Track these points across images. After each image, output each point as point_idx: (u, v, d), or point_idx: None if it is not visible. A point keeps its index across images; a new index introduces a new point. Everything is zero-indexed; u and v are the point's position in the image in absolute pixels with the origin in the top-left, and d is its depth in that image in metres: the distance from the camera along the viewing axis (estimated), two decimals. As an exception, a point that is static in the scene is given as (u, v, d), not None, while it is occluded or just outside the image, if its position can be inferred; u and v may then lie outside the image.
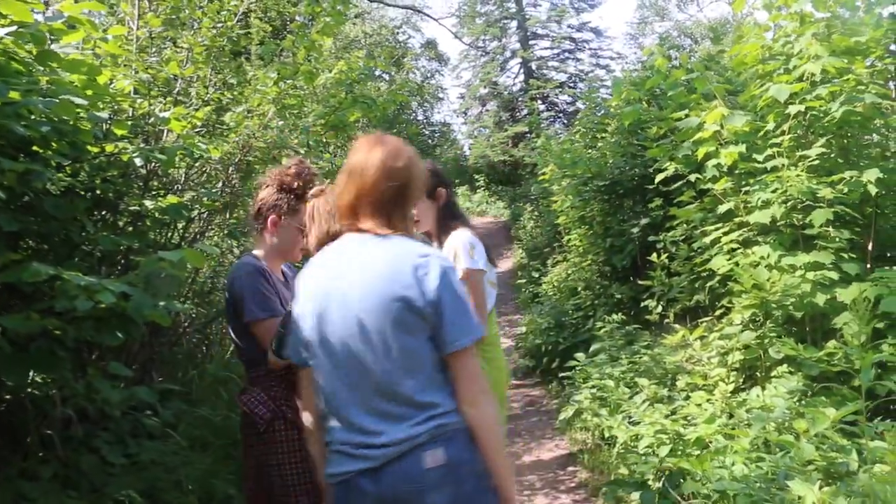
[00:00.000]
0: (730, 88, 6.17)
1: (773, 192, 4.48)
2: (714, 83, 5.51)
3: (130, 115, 3.95)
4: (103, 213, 3.87)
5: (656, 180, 5.62)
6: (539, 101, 28.09)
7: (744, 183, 4.95)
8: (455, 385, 2.01)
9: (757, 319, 4.38)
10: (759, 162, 4.87)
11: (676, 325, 5.10)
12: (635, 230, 7.32)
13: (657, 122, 6.34)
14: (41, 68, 2.87)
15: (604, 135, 8.84)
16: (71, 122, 2.90)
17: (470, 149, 30.81)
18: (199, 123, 4.15)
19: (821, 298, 4.22)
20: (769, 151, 4.85)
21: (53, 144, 2.90)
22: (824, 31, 5.06)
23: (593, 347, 6.62)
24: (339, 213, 2.26)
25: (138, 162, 3.33)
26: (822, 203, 4.29)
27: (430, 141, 27.95)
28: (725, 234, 4.88)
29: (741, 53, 5.47)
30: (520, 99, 29.87)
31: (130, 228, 3.96)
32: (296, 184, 3.04)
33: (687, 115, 5.27)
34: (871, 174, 4.22)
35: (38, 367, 2.71)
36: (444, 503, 1.93)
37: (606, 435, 5.21)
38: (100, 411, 3.55)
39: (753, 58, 5.37)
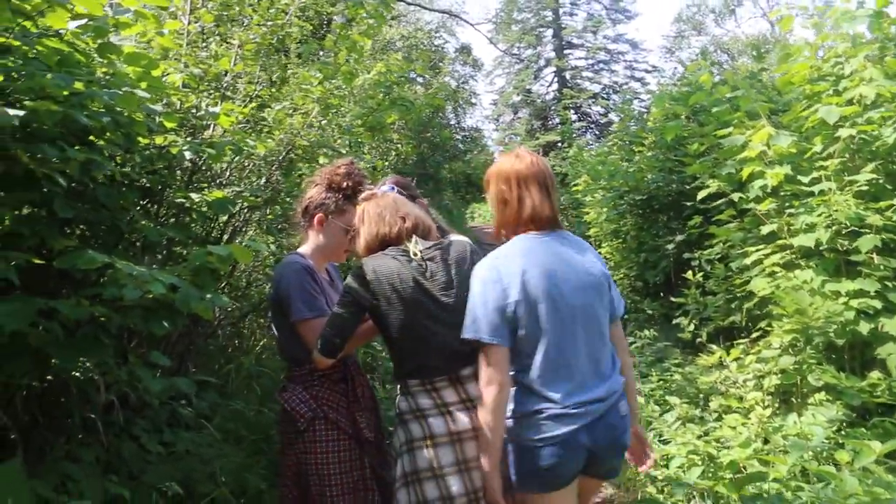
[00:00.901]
0: (773, 107, 6.12)
1: (819, 215, 4.42)
2: (758, 102, 5.47)
3: (178, 108, 3.99)
4: (148, 204, 3.91)
5: (698, 197, 5.56)
6: (572, 111, 28.01)
7: (787, 205, 4.89)
8: (616, 345, 2.63)
9: (796, 344, 4.32)
10: (804, 184, 4.81)
11: (713, 346, 5.04)
12: (670, 246, 7.25)
13: (699, 138, 6.29)
14: (100, 60, 2.92)
15: (641, 148, 8.78)
16: (126, 114, 2.94)
17: (499, 155, 30.78)
18: (244, 119, 4.17)
19: (864, 327, 4.16)
20: (815, 174, 4.80)
21: (108, 135, 2.94)
22: (876, 54, 5.00)
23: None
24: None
25: (188, 155, 3.36)
26: (870, 230, 4.22)
27: (460, 146, 27.96)
28: (767, 255, 4.82)
29: (789, 73, 5.42)
30: (552, 108, 29.81)
31: (173, 220, 4.00)
32: (345, 184, 3.05)
33: (731, 133, 5.22)
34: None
35: (86, 351, 2.73)
36: (628, 442, 2.56)
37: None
38: (139, 399, 3.58)
39: (801, 78, 5.32)
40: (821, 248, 4.46)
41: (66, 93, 2.44)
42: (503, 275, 2.49)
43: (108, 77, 2.88)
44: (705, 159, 5.90)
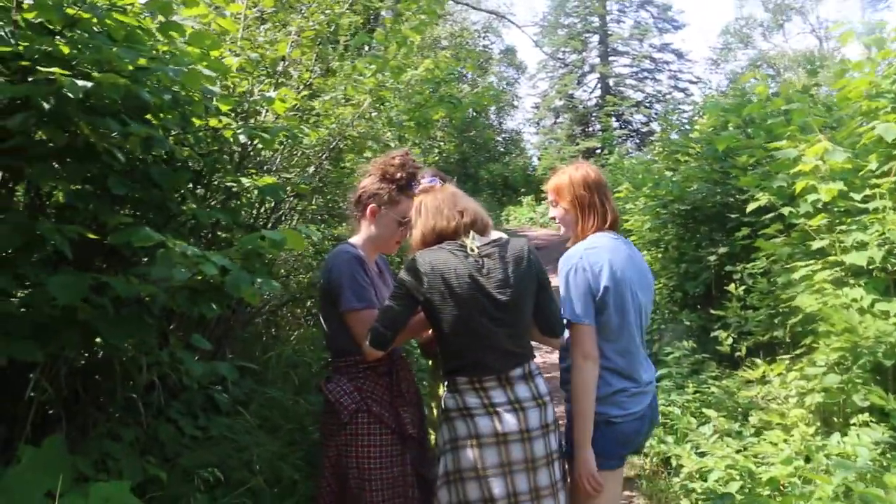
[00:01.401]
0: (825, 122, 5.99)
1: (872, 234, 4.31)
2: (812, 116, 5.35)
3: (232, 91, 4.01)
4: (197, 186, 3.92)
5: (747, 210, 5.45)
6: (613, 118, 27.81)
7: (838, 221, 4.77)
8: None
9: (843, 363, 4.21)
10: (857, 202, 4.70)
11: (757, 360, 4.93)
12: (712, 258, 7.13)
13: (750, 150, 6.18)
14: (161, 38, 2.92)
15: (686, 158, 8.66)
16: (184, 93, 2.95)
17: (539, 159, 30.65)
18: (296, 107, 4.17)
19: (913, 349, 4.05)
20: (868, 192, 4.68)
21: (166, 113, 2.94)
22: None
23: (659, 373, 6.48)
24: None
25: (242, 139, 3.36)
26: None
27: (500, 148, 27.88)
28: (815, 271, 4.71)
29: (846, 88, 5.29)
30: (594, 114, 29.63)
31: (218, 205, 4.01)
32: (399, 175, 3.03)
33: (784, 146, 5.11)
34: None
35: (133, 330, 2.74)
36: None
37: (671, 462, 5.08)
38: (176, 382, 3.60)
39: (858, 93, 5.19)
40: (873, 266, 4.35)
41: (130, 68, 2.45)
42: (592, 264, 2.77)
43: (168, 55, 2.89)
44: (756, 172, 5.77)
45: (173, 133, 3.28)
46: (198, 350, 3.61)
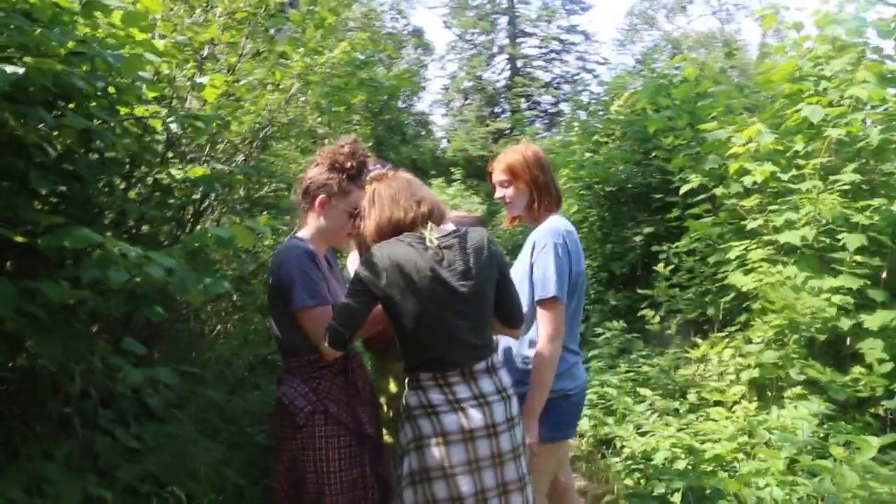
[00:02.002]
0: (745, 104, 6.14)
1: (805, 213, 4.43)
2: (736, 98, 5.48)
3: (155, 78, 3.74)
4: (124, 179, 3.66)
5: (681, 191, 5.54)
6: (522, 100, 28.01)
7: (768, 201, 4.89)
8: None
9: (779, 340, 4.33)
10: (785, 182, 4.82)
11: (699, 340, 5.02)
12: (638, 238, 7.25)
13: (675, 132, 6.27)
14: (83, 20, 2.67)
15: (606, 139, 8.74)
16: (118, 80, 2.71)
17: (448, 141, 30.60)
18: (229, 92, 3.94)
19: (845, 323, 4.20)
20: (796, 172, 4.82)
21: (97, 103, 2.70)
22: (855, 57, 5.04)
23: (589, 353, 6.54)
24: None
25: (174, 127, 3.13)
26: (856, 228, 4.24)
27: (410, 130, 27.67)
28: (746, 249, 4.82)
29: (770, 71, 5.43)
30: (503, 96, 29.76)
31: (147, 199, 3.76)
32: (349, 163, 2.88)
33: (715, 128, 5.20)
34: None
35: (66, 338, 2.51)
36: None
37: (608, 443, 5.13)
38: (109, 389, 3.35)
39: (782, 76, 5.32)
40: (807, 245, 4.47)
41: (62, 51, 2.21)
42: (569, 243, 2.84)
43: (95, 38, 2.63)
44: (686, 154, 5.86)
45: (98, 123, 3.03)
46: (129, 353, 3.37)
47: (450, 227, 2.63)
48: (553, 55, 30.28)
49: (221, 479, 3.38)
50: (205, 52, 3.93)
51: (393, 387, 3.47)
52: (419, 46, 30.61)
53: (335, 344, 2.53)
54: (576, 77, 28.81)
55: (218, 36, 3.71)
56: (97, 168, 2.87)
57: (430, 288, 2.45)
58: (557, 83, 29.67)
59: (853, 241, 4.15)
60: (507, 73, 30.31)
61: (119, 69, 2.28)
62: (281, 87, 4.75)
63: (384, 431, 3.21)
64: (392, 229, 2.59)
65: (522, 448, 2.62)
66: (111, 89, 2.47)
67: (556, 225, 2.88)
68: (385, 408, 3.43)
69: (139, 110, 3.28)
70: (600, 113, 10.11)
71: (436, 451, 2.48)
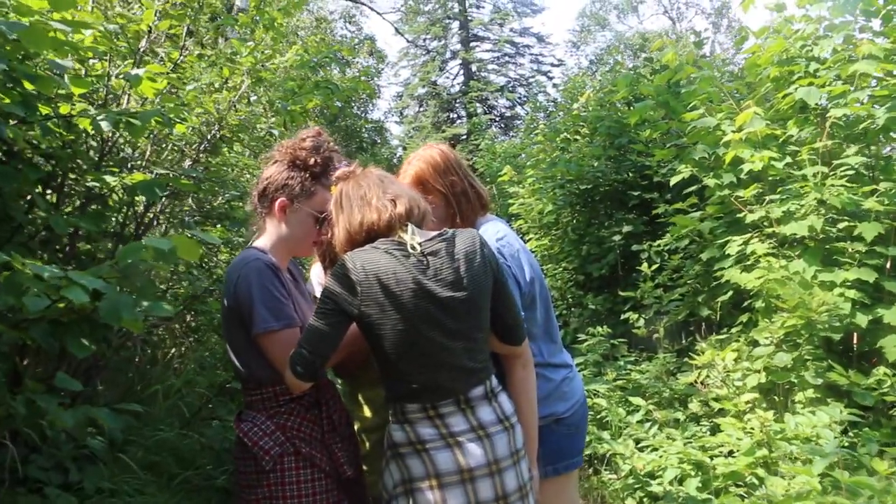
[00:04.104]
0: (732, 90, 5.84)
1: (810, 202, 4.09)
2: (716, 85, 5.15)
3: (84, 72, 3.26)
4: (49, 188, 3.16)
5: (672, 182, 5.16)
6: (478, 104, 27.75)
7: (767, 190, 4.55)
8: None
9: (791, 340, 3.96)
10: (782, 169, 4.48)
11: (703, 344, 4.64)
12: (617, 238, 6.88)
13: (653, 124, 5.93)
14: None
15: (576, 137, 8.40)
16: (23, 63, 2.23)
17: (404, 149, 30.23)
18: (167, 88, 3.46)
19: (862, 319, 3.86)
20: (791, 160, 4.49)
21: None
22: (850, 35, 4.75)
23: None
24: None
25: (105, 126, 2.64)
26: (868, 216, 3.92)
27: (366, 137, 27.22)
28: (746, 243, 4.46)
29: (756, 55, 5.11)
30: (458, 101, 29.49)
31: (78, 210, 3.26)
32: (312, 160, 2.44)
33: (702, 115, 4.85)
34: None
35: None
36: None
37: (603, 458, 4.74)
38: (40, 431, 2.85)
39: (768, 59, 5.00)
40: (812, 235, 4.13)
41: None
42: (511, 255, 2.47)
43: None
44: (674, 144, 5.51)
45: (12, 122, 2.54)
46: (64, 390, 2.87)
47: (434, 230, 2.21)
48: (507, 59, 30.13)
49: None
50: (142, 46, 3.44)
51: (368, 414, 2.98)
52: (372, 53, 30.17)
53: (303, 374, 2.08)
54: (530, 80, 28.62)
55: (154, 23, 3.22)
56: (10, 175, 2.39)
57: (413, 303, 2.02)
58: (512, 86, 29.50)
59: (869, 230, 3.81)
60: (462, 78, 30.05)
61: (21, 42, 1.78)
62: (230, 84, 4.28)
63: (364, 469, 2.75)
64: (365, 235, 2.15)
65: (530, 486, 2.21)
66: (11, 67, 1.94)
67: (485, 237, 2.36)
68: (361, 440, 2.96)
69: (64, 108, 2.80)
70: (561, 114, 9.80)
71: (429, 496, 2.06)
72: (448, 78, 30.80)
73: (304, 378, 2.11)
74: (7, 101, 2.29)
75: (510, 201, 9.71)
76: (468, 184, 2.58)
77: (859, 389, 3.61)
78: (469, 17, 29.34)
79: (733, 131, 4.52)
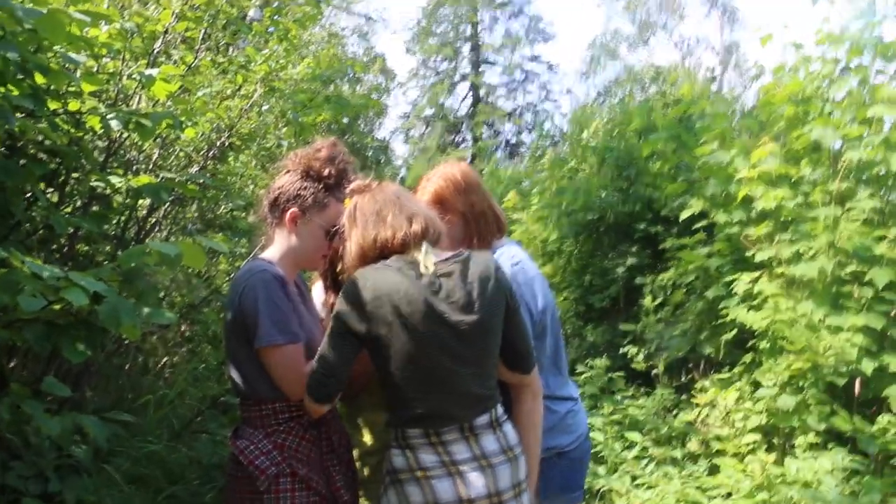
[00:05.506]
0: (748, 126, 5.82)
1: (821, 244, 4.04)
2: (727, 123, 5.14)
3: (97, 69, 3.21)
4: (52, 186, 3.11)
5: (681, 217, 5.12)
6: (484, 128, 27.82)
7: (779, 229, 4.51)
8: None
9: (797, 383, 3.90)
10: (793, 209, 4.44)
11: (706, 382, 4.57)
12: (620, 269, 6.83)
13: (662, 157, 5.90)
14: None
15: (583, 166, 8.37)
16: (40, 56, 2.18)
17: (408, 169, 30.25)
18: (180, 90, 3.41)
19: (868, 366, 3.79)
20: (801, 200, 4.45)
21: (8, 87, 2.16)
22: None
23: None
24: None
25: (114, 125, 2.59)
26: (880, 261, 3.87)
27: (371, 156, 27.27)
28: (753, 283, 4.41)
29: (770, 94, 5.08)
30: (465, 124, 29.55)
31: (80, 210, 3.21)
32: (326, 171, 2.36)
33: (714, 151, 4.82)
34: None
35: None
36: None
37: (597, 494, 4.64)
38: (23, 437, 2.76)
39: (783, 98, 4.98)
40: (823, 278, 4.08)
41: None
42: (526, 282, 2.40)
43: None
44: (685, 178, 5.47)
45: (20, 116, 2.49)
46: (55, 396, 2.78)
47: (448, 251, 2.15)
48: (516, 84, 30.21)
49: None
50: (157, 46, 3.40)
51: (368, 439, 2.90)
52: (382, 71, 30.30)
53: (320, 397, 2.03)
54: (538, 108, 28.73)
55: (171, 24, 3.18)
56: (14, 170, 2.33)
57: (424, 326, 1.95)
58: (520, 113, 29.57)
59: (881, 276, 3.75)
60: (470, 102, 30.13)
61: (36, 31, 1.73)
62: (242, 92, 4.24)
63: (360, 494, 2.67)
64: (378, 252, 2.09)
65: None
66: (20, 59, 1.89)
67: (500, 260, 2.34)
68: (360, 465, 2.88)
69: (73, 104, 2.75)
70: (567, 144, 9.80)
71: None
72: (456, 100, 30.90)
73: (321, 401, 2.06)
74: (16, 92, 2.24)
75: (512, 227, 9.67)
76: (488, 205, 2.52)
77: (864, 436, 3.54)
78: (480, 41, 29.49)
79: (750, 167, 4.48)
